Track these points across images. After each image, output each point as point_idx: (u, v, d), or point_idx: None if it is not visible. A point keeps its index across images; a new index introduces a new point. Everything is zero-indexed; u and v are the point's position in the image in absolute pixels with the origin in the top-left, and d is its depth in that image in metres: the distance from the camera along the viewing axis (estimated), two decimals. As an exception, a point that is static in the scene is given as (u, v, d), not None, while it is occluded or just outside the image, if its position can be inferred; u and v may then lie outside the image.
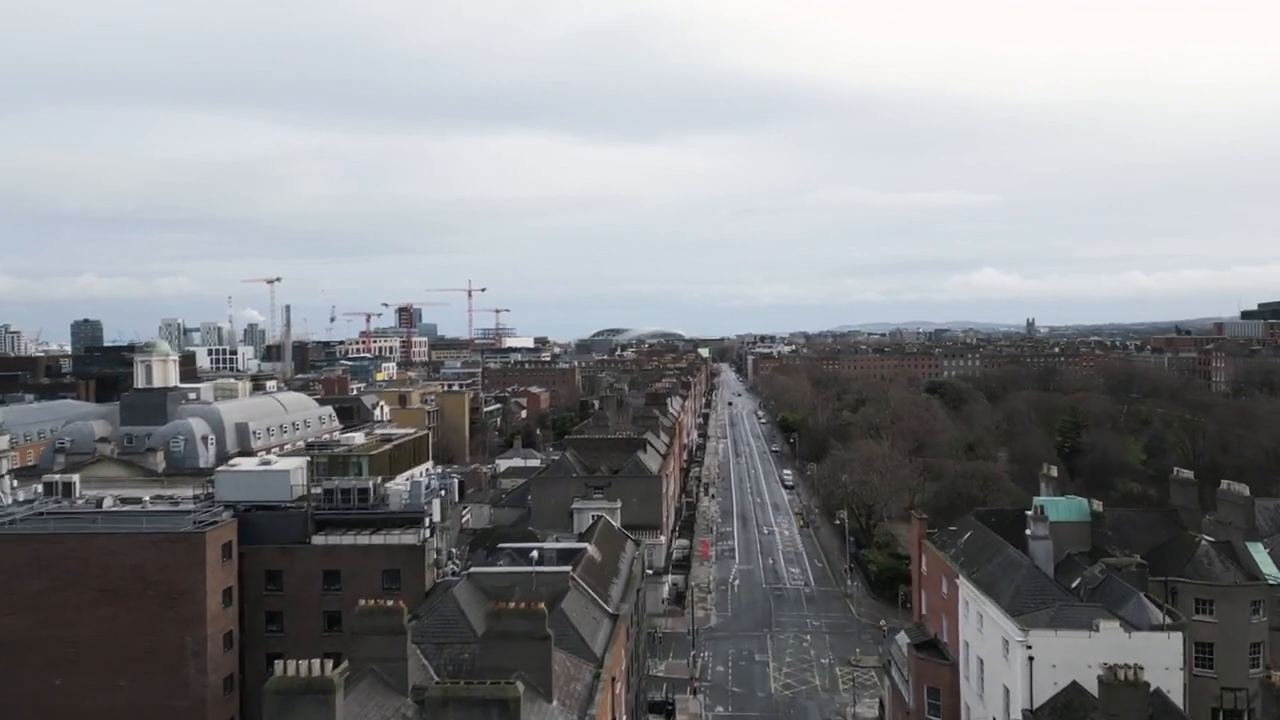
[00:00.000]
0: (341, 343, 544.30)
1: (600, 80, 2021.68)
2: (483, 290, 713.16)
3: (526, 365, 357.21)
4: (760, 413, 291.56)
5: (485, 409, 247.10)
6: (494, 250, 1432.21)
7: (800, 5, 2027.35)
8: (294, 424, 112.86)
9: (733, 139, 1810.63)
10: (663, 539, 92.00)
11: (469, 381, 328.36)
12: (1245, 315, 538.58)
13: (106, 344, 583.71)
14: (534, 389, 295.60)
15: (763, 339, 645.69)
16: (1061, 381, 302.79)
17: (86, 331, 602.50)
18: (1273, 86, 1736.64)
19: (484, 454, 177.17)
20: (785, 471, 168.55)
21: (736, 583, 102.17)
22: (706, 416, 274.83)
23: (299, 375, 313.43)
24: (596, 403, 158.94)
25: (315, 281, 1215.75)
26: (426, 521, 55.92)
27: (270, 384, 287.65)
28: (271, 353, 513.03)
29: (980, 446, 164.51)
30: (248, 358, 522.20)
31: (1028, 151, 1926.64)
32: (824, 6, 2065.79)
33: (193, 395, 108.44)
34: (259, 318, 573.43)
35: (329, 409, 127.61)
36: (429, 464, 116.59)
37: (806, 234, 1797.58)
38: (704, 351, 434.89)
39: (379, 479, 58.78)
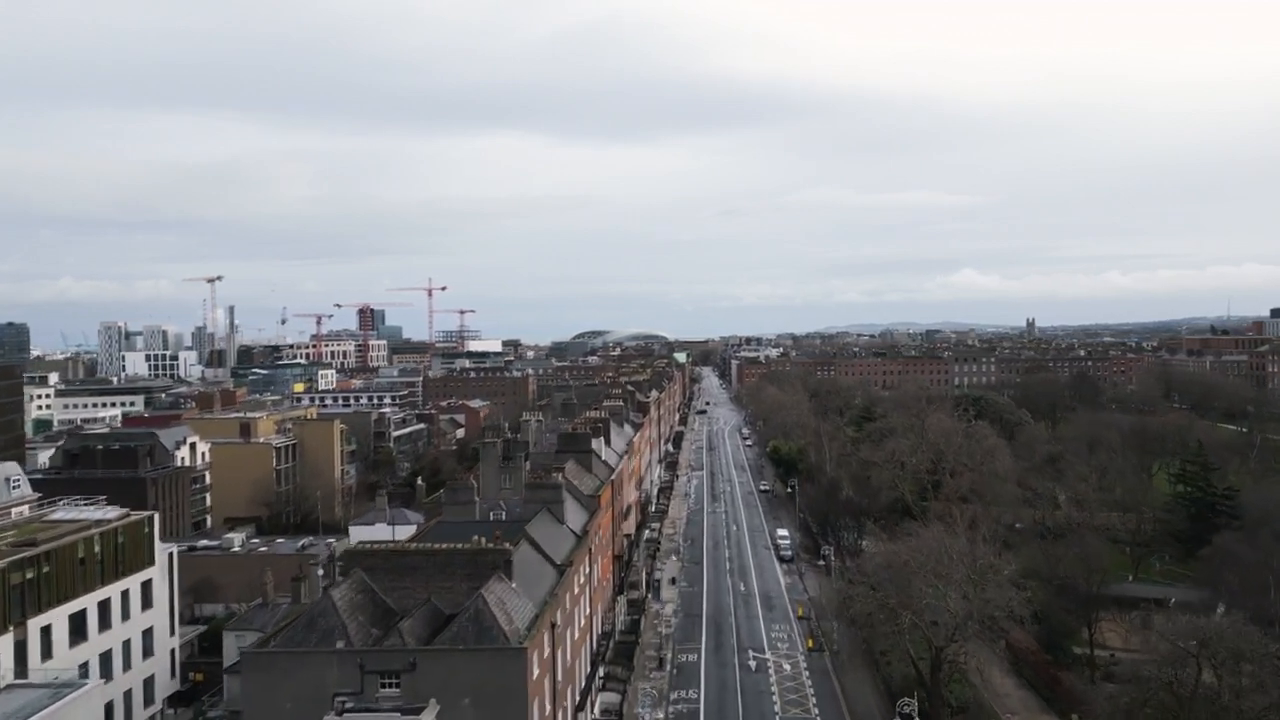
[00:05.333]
0: (291, 346, 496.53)
1: (582, 81, 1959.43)
2: (443, 289, 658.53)
3: (472, 373, 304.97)
4: (745, 430, 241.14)
5: (398, 432, 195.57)
6: (480, 251, 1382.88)
7: (784, 6, 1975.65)
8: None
9: (717, 140, 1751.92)
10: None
11: (404, 394, 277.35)
12: (1275, 313, 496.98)
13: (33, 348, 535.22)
14: (475, 402, 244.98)
15: (748, 341, 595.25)
16: (1114, 393, 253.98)
17: (11, 336, 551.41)
18: (1251, 89, 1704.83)
19: (348, 509, 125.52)
20: (780, 532, 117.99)
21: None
22: (680, 437, 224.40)
23: (163, 390, 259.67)
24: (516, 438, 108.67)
25: (297, 283, 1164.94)
26: None
27: (148, 396, 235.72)
28: (215, 358, 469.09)
29: (1059, 490, 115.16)
30: (190, 363, 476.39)
31: (1009, 151, 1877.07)
32: (809, 8, 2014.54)
33: None
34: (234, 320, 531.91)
35: (12, 469, 76.10)
36: (149, 574, 65.51)
37: (791, 234, 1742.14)
38: (680, 356, 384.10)
39: None
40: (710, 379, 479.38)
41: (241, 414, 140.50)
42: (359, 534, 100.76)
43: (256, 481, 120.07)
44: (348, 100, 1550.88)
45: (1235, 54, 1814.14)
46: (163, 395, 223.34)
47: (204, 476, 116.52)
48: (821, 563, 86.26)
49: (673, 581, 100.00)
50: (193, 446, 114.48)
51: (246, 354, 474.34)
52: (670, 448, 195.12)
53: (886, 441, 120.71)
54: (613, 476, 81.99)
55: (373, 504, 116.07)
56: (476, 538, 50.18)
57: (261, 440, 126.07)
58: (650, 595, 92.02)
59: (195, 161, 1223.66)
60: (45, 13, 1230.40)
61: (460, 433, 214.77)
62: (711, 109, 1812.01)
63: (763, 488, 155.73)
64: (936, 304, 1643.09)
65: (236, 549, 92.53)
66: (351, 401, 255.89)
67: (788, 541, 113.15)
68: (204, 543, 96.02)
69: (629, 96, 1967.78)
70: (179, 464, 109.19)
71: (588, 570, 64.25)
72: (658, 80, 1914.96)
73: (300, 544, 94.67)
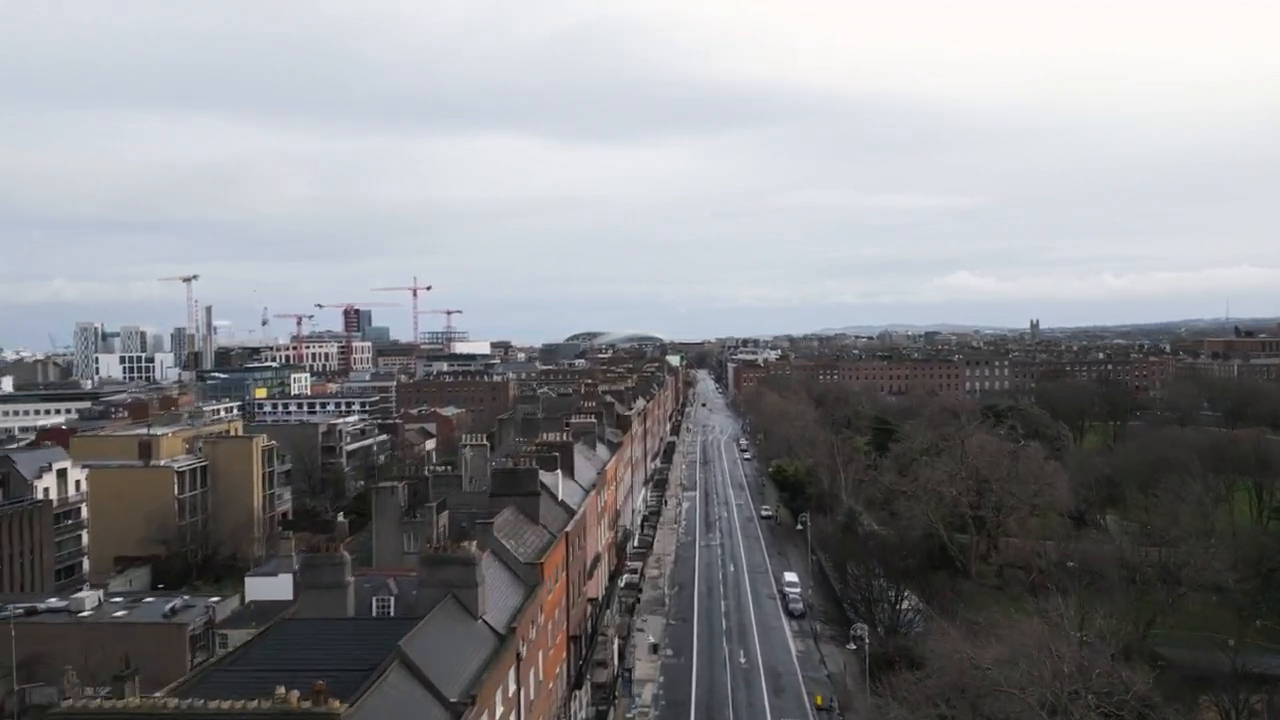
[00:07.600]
0: (270, 348, 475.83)
1: (582, 81, 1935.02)
2: (428, 289, 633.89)
3: (448, 377, 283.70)
4: (743, 441, 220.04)
5: (352, 446, 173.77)
6: (480, 252, 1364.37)
7: (784, 6, 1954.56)
8: None
9: (717, 140, 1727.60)
10: None
11: (376, 400, 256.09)
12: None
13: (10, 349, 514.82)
14: (449, 410, 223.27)
15: (745, 343, 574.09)
16: (1141, 399, 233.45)
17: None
18: (1251, 89, 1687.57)
19: (269, 544, 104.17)
20: (789, 577, 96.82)
21: None
22: (672, 449, 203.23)
23: (112, 394, 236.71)
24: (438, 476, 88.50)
25: (295, 284, 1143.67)
26: None
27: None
28: (192, 360, 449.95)
29: (1138, 529, 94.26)
30: (167, 365, 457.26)
31: (1009, 151, 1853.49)
32: (809, 8, 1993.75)
33: None
34: (225, 322, 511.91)
35: None
36: None
37: (790, 234, 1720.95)
38: (674, 359, 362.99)
39: None
40: (706, 382, 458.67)
41: (146, 430, 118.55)
42: (256, 588, 79.81)
43: (151, 514, 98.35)
44: (348, 100, 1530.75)
45: (1235, 54, 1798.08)
46: (91, 404, 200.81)
47: (79, 510, 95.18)
48: (852, 646, 65.15)
49: (654, 650, 78.70)
50: (62, 474, 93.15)
51: (224, 356, 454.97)
52: (659, 463, 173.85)
53: (917, 466, 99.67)
54: (569, 526, 60.58)
55: (295, 542, 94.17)
56: (280, 689, 28.75)
57: (162, 463, 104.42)
58: (621, 680, 70.63)
59: (195, 161, 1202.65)
60: (45, 13, 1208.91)
61: (431, 444, 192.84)
62: (711, 109, 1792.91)
63: (764, 513, 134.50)
64: (932, 305, 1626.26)
65: (86, 613, 71.05)
66: (318, 408, 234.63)
67: (797, 591, 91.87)
68: (51, 602, 74.54)
69: (629, 97, 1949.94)
70: (40, 495, 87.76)
71: (515, 688, 42.96)
72: (657, 80, 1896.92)
73: (170, 605, 73.00)
